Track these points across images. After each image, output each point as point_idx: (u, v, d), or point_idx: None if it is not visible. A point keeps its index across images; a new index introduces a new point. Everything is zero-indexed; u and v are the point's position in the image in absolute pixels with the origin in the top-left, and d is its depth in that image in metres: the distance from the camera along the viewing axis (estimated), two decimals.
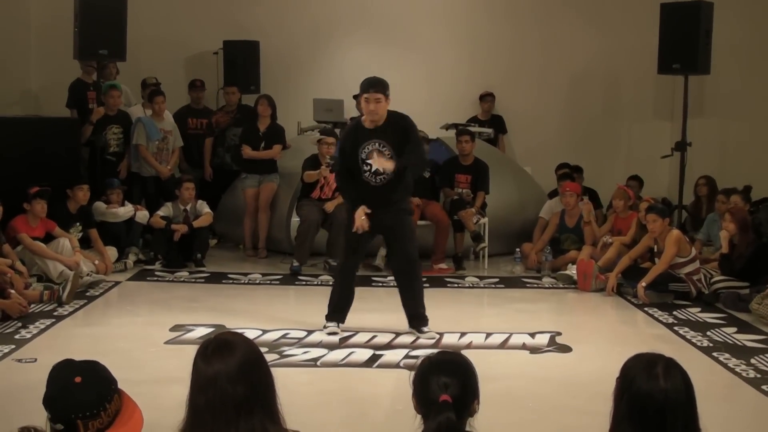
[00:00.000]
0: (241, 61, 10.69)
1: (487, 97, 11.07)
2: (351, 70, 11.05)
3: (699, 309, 7.11)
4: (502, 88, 11.18)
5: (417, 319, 6.19)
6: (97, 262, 7.96)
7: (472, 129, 9.59)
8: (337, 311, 6.21)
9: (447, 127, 9.97)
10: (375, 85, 5.88)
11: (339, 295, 6.24)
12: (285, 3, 11.23)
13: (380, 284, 7.99)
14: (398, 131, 5.97)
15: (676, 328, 6.53)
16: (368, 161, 5.92)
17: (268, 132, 9.20)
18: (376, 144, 5.92)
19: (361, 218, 5.93)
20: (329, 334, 6.08)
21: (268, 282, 8.04)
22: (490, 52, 11.28)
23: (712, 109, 10.90)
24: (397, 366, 5.44)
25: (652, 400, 2.22)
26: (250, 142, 9.16)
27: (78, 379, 2.20)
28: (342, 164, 6.15)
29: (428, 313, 6.22)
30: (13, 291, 6.43)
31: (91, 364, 2.30)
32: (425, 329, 6.16)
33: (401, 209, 6.14)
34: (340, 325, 6.19)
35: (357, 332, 6.15)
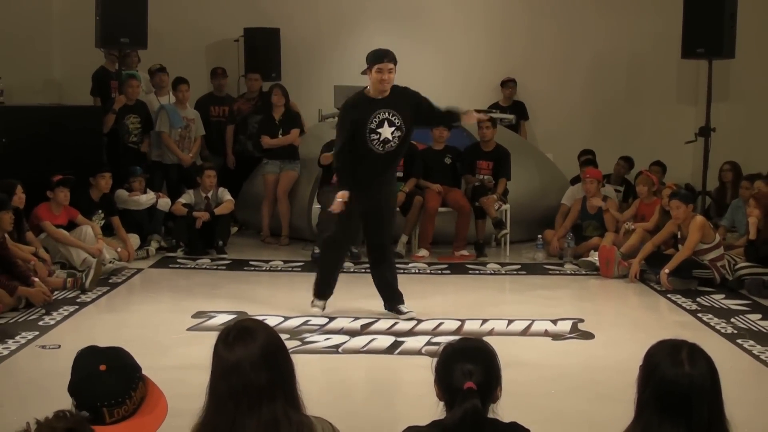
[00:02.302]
0: (262, 48, 10.69)
1: (508, 83, 11.02)
2: None
3: (723, 295, 7.06)
4: (524, 73, 11.12)
5: (395, 299, 6.29)
6: (119, 249, 8.01)
7: (493, 115, 9.55)
8: (323, 288, 6.34)
9: None
10: (388, 55, 5.99)
11: (325, 271, 6.38)
12: None
13: (402, 271, 7.91)
14: (405, 102, 6.06)
15: (699, 314, 6.48)
16: (378, 130, 5.97)
17: (284, 119, 9.22)
18: (386, 113, 5.98)
19: (339, 201, 6.05)
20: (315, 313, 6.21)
21: (290, 269, 8.05)
22: (511, 38, 11.22)
23: (736, 93, 10.77)
24: (418, 353, 5.43)
25: (677, 386, 2.19)
26: (268, 132, 9.18)
27: (103, 367, 2.21)
28: (344, 144, 6.10)
29: (450, 298, 6.21)
30: (37, 279, 6.48)
31: (115, 350, 2.31)
32: (403, 308, 6.25)
33: (393, 190, 6.30)
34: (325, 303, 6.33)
35: (378, 319, 6.16)
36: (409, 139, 6.17)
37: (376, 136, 5.97)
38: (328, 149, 8.52)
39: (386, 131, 5.97)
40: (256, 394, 2.19)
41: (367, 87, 6.12)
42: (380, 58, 5.95)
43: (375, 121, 5.96)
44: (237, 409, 2.18)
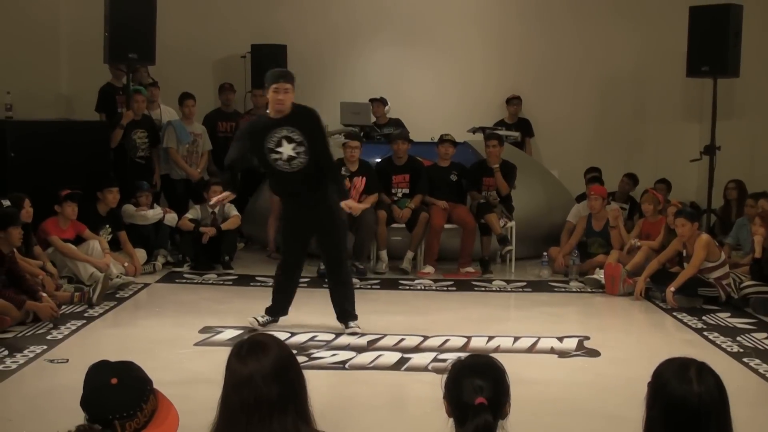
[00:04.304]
0: (269, 64, 10.68)
1: (513, 101, 11.06)
2: (378, 73, 11.11)
3: (728, 314, 7.06)
4: (529, 91, 11.16)
5: (344, 314, 6.28)
6: (126, 264, 8.04)
7: (499, 132, 9.58)
8: (275, 308, 6.34)
9: (474, 130, 9.97)
10: (284, 76, 5.95)
11: (276, 293, 6.37)
12: (312, 7, 11.28)
13: (407, 287, 8.01)
14: (306, 122, 5.98)
15: (705, 333, 6.49)
16: (278, 149, 5.90)
17: None
18: (285, 131, 5.90)
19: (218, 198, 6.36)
20: (257, 323, 6.25)
21: None
22: (516, 55, 11.26)
23: (741, 111, 10.81)
24: (425, 369, 5.44)
25: (686, 405, 2.20)
26: None
27: (114, 381, 2.23)
28: (232, 159, 6.15)
29: (455, 315, 6.21)
30: (44, 294, 6.49)
31: (126, 364, 2.33)
32: (351, 324, 6.24)
33: (329, 206, 6.12)
34: (273, 318, 6.34)
35: (385, 335, 6.16)
36: (321, 155, 5.98)
37: (277, 156, 5.91)
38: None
39: (287, 149, 5.89)
40: (267, 407, 2.21)
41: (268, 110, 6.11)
42: (276, 78, 5.91)
43: (273, 141, 5.90)
44: (248, 422, 2.20)
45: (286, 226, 6.34)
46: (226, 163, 6.29)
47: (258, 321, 6.32)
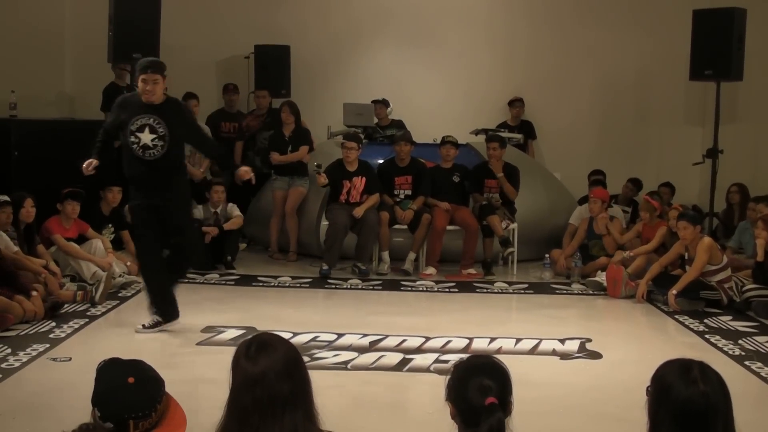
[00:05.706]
0: (272, 65, 10.76)
1: (516, 103, 11.06)
2: (381, 74, 11.11)
3: (730, 317, 7.06)
4: (532, 93, 11.15)
5: (166, 313, 6.21)
6: (129, 263, 8.04)
7: (501, 134, 9.58)
8: (158, 309, 6.23)
9: (476, 132, 9.97)
10: (152, 66, 5.91)
11: (150, 295, 6.27)
12: (316, 8, 11.29)
13: (409, 288, 8.01)
14: (175, 116, 5.99)
15: (707, 336, 6.49)
16: (138, 134, 5.89)
17: (293, 136, 9.27)
18: (150, 119, 5.90)
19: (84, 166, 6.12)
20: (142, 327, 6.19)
21: (298, 285, 8.08)
22: (519, 57, 11.27)
23: (744, 115, 10.80)
24: (427, 370, 5.44)
25: (694, 405, 2.21)
26: (278, 148, 9.24)
27: (131, 380, 2.22)
28: (104, 129, 6.26)
29: (457, 316, 6.22)
30: (35, 293, 6.48)
31: (138, 363, 2.32)
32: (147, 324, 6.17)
33: (176, 197, 6.14)
34: (161, 318, 6.21)
35: (387, 336, 6.17)
36: (178, 151, 6.09)
37: (135, 140, 5.90)
38: (332, 169, 8.63)
39: (146, 137, 5.89)
40: (280, 404, 2.23)
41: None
42: (144, 69, 5.89)
43: (136, 124, 5.90)
44: (261, 420, 2.22)
45: (137, 213, 6.23)
46: (102, 129, 6.25)
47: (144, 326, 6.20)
